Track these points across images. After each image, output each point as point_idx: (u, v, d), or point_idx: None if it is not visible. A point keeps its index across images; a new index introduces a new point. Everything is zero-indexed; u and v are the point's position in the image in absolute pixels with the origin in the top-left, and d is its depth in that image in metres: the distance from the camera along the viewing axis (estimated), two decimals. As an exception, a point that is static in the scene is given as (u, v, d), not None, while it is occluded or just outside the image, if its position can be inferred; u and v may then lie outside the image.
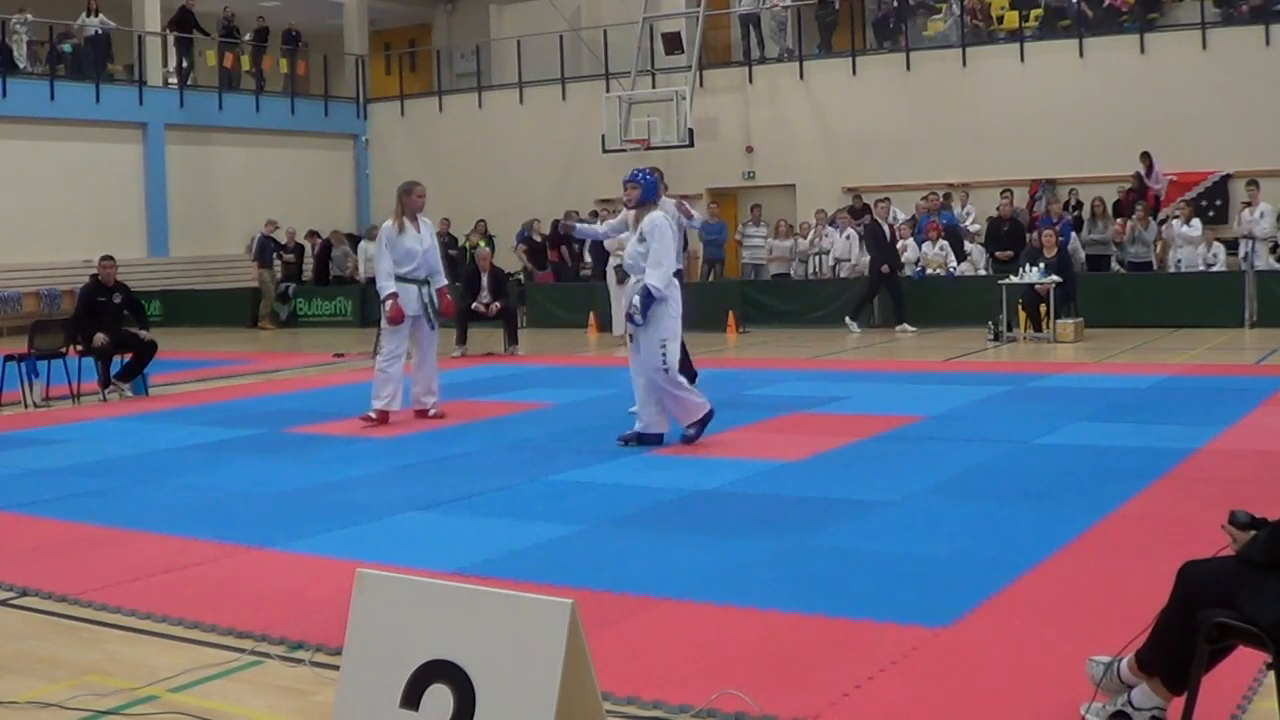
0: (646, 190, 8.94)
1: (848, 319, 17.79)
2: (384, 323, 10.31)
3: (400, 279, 10.27)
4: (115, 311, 12.63)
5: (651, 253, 8.74)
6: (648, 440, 8.84)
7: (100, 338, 12.30)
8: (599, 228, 10.31)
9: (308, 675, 4.40)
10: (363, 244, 22.93)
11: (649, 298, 8.62)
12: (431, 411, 10.40)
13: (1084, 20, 21.34)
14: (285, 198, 25.37)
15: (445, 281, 10.64)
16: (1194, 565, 3.53)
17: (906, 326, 17.38)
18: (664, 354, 8.67)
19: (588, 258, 21.89)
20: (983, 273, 18.53)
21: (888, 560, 5.63)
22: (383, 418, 10.20)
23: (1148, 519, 6.28)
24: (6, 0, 22.83)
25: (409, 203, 10.38)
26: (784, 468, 7.92)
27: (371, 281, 21.74)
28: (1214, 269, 17.45)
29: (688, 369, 10.01)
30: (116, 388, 12.51)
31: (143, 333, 12.64)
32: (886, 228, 17.87)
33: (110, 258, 13.01)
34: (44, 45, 23.56)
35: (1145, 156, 19.51)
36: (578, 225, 9.98)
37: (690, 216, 9.82)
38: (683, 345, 9.68)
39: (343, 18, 28.50)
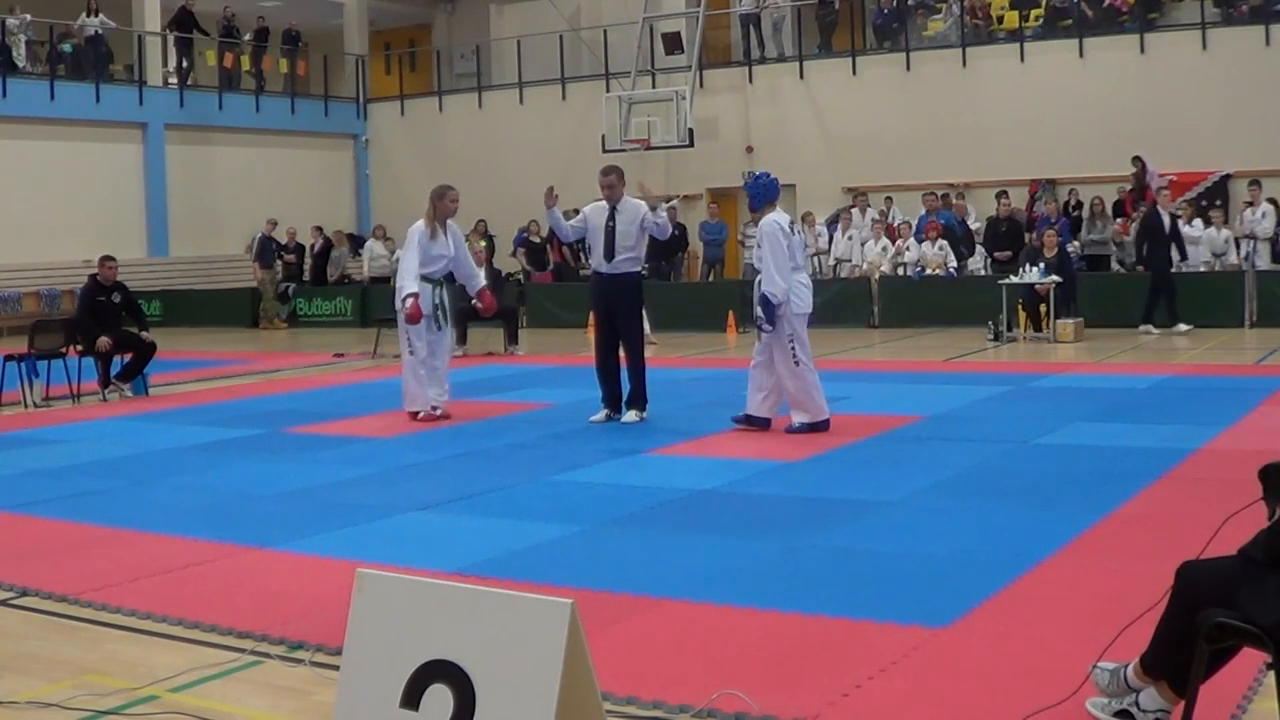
0: (753, 196, 9.35)
1: (1144, 324, 15.98)
2: (405, 322, 10.29)
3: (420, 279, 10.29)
4: (115, 311, 12.63)
5: (764, 259, 9.04)
6: (756, 423, 9.30)
7: (104, 341, 12.30)
8: (564, 224, 10.44)
9: (308, 675, 4.40)
10: (369, 244, 22.98)
11: (768, 305, 8.96)
12: (438, 410, 10.39)
13: (1084, 20, 21.34)
14: (285, 198, 25.37)
15: (484, 281, 10.90)
16: (1192, 565, 3.52)
17: (1150, 328, 15.88)
18: (794, 349, 9.03)
19: (585, 258, 21.92)
20: (982, 273, 18.53)
21: (888, 560, 5.63)
22: (447, 412, 10.41)
23: (1148, 519, 6.28)
24: (5, 0, 22.83)
25: (441, 207, 10.39)
26: (784, 468, 7.92)
27: (375, 281, 22.07)
28: (1220, 256, 17.42)
29: None
30: (117, 388, 12.51)
31: (144, 334, 12.64)
32: (1167, 217, 16.71)
33: (111, 258, 13.01)
34: (44, 45, 23.56)
35: (1137, 160, 19.40)
36: (555, 210, 10.12)
37: (658, 222, 9.90)
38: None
39: (343, 18, 28.49)
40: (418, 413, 10.38)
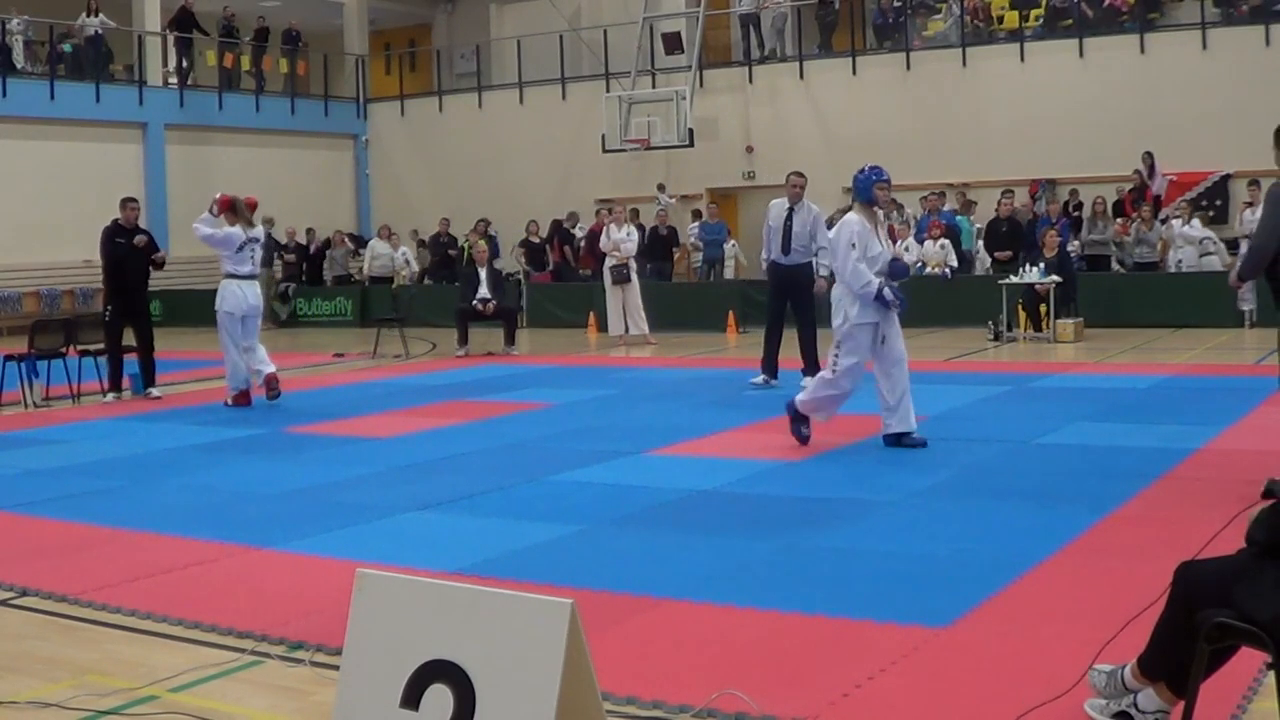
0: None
1: None
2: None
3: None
4: (138, 254, 12.44)
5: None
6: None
7: (161, 257, 12.51)
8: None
9: (308, 675, 4.40)
10: (372, 243, 23.04)
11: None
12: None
13: (1084, 20, 21.34)
14: (285, 198, 25.33)
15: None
16: (1191, 566, 3.52)
17: None
18: (835, 356, 8.37)
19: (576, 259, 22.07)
20: (982, 273, 18.52)
21: (888, 560, 5.63)
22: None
23: (1148, 519, 6.28)
24: (6, 1, 22.84)
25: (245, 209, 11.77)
26: (784, 468, 7.92)
27: (375, 281, 22.12)
28: (1207, 257, 17.39)
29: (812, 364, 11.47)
30: (147, 394, 12.43)
31: (158, 254, 12.69)
32: None
33: (133, 199, 13.05)
34: (44, 45, 23.56)
35: (1147, 156, 19.51)
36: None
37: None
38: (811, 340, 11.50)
39: (343, 18, 28.49)
40: (245, 393, 11.66)
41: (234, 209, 11.76)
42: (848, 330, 8.28)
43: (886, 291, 8.21)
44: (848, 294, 8.27)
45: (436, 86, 27.89)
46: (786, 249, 11.51)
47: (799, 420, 8.55)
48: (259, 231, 12.00)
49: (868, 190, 8.42)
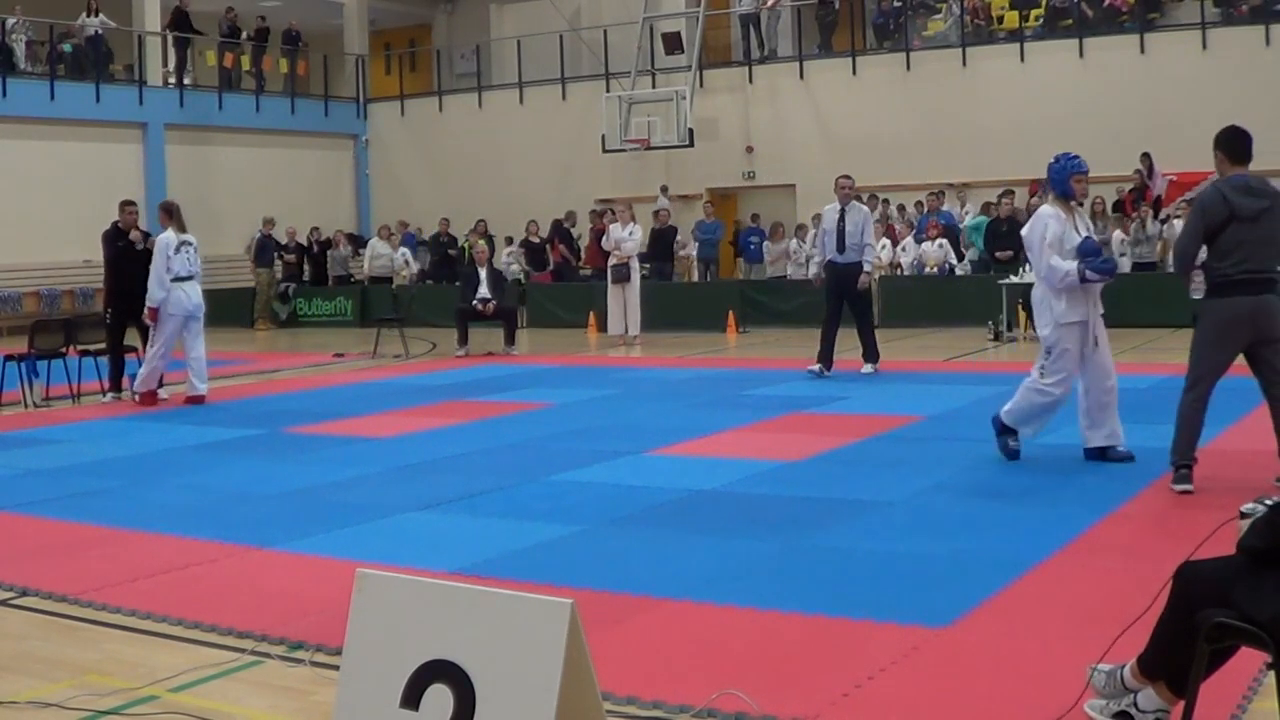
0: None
1: None
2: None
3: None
4: (139, 256, 12.43)
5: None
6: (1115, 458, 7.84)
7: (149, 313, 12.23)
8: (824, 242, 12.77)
9: (308, 675, 4.40)
10: (372, 242, 23.04)
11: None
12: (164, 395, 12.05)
13: (1084, 20, 21.35)
14: (285, 198, 25.35)
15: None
16: (1191, 566, 3.52)
17: None
18: (1044, 361, 7.76)
19: (575, 258, 22.10)
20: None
21: (888, 560, 5.63)
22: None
23: (1148, 519, 6.29)
24: (5, 0, 22.83)
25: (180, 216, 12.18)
26: (784, 468, 7.92)
27: (375, 281, 22.13)
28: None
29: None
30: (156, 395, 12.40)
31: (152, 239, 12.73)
32: None
33: (131, 202, 13.18)
34: (44, 45, 23.55)
35: (1145, 157, 19.50)
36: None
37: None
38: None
39: (343, 18, 28.49)
40: (152, 393, 11.93)
41: (169, 213, 12.28)
42: (1057, 334, 7.65)
43: (1089, 272, 7.69)
44: (1050, 292, 7.66)
45: (436, 86, 27.89)
46: (841, 248, 12.28)
47: (1006, 433, 7.90)
48: (191, 236, 12.34)
49: (1063, 183, 7.88)
